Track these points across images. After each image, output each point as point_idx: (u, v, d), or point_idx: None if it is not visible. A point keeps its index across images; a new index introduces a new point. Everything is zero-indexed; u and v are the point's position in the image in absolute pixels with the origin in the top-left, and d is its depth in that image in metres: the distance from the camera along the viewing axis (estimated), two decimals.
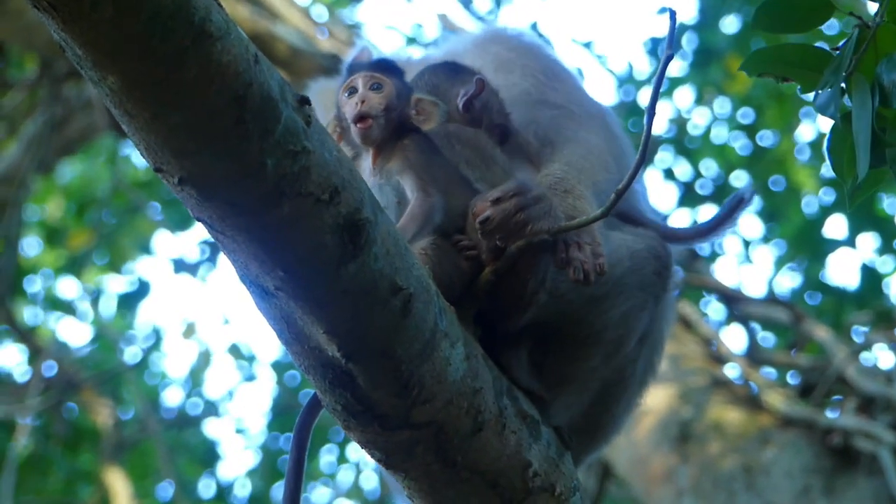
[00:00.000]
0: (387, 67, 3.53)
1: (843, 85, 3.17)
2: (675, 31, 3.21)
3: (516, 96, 3.68)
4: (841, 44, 3.20)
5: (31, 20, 8.73)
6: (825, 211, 11.26)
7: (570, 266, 3.27)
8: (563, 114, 3.66)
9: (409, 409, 3.13)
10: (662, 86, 3.20)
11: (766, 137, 11.76)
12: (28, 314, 13.17)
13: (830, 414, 7.10)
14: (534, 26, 11.32)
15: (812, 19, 3.26)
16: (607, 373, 3.60)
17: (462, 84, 3.60)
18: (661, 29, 11.94)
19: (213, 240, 3.01)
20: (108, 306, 13.46)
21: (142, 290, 13.23)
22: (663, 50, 3.22)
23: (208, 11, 2.68)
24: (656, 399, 7.21)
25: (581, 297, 3.44)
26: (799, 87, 3.28)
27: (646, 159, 3.20)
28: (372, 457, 3.25)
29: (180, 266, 12.41)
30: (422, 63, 3.88)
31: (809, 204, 11.52)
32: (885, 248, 11.00)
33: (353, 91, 3.47)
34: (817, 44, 3.33)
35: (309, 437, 3.44)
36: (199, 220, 2.90)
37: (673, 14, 3.18)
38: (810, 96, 3.28)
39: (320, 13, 9.11)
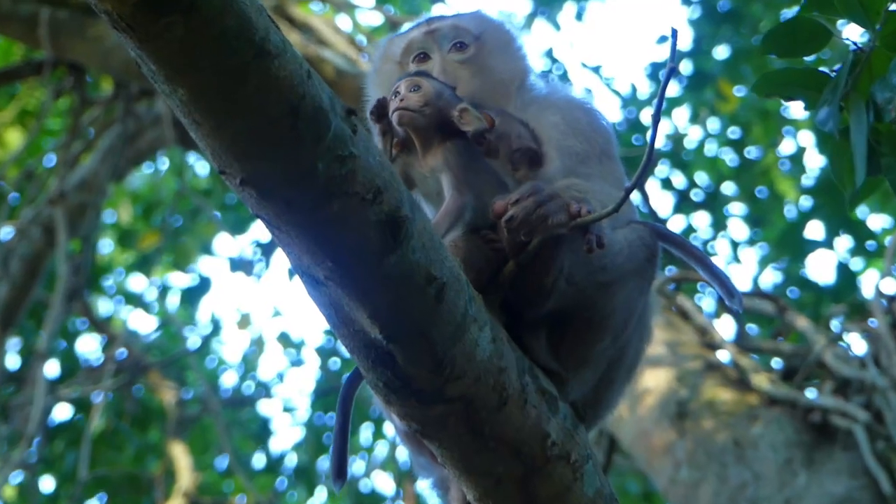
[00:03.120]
0: (428, 76, 3.55)
1: (840, 103, 3.15)
2: (676, 52, 3.17)
3: (572, 153, 3.71)
4: (837, 67, 3.18)
5: (108, 45, 8.74)
6: (804, 216, 11.20)
7: (585, 239, 3.28)
8: (596, 174, 3.70)
9: (442, 384, 3.10)
10: (662, 106, 3.18)
11: (752, 152, 11.72)
12: (103, 307, 13.18)
13: (810, 394, 7.07)
14: (549, 52, 11.30)
15: (813, 44, 3.24)
16: (612, 352, 3.58)
17: None
18: (661, 55, 11.90)
19: (270, 236, 3.00)
20: (174, 300, 13.47)
21: (203, 285, 13.23)
22: (663, 71, 3.18)
23: (267, 32, 2.68)
24: (657, 380, 7.19)
25: (592, 284, 3.42)
26: (785, 105, 3.27)
27: (651, 161, 3.18)
28: (409, 428, 3.22)
29: (236, 265, 12.36)
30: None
31: (790, 210, 11.48)
32: (858, 250, 10.94)
33: (396, 93, 3.49)
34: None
35: (352, 405, 3.41)
36: (258, 216, 2.89)
37: (674, 32, 3.15)
38: (792, 115, 3.28)
39: (361, 40, 9.09)
